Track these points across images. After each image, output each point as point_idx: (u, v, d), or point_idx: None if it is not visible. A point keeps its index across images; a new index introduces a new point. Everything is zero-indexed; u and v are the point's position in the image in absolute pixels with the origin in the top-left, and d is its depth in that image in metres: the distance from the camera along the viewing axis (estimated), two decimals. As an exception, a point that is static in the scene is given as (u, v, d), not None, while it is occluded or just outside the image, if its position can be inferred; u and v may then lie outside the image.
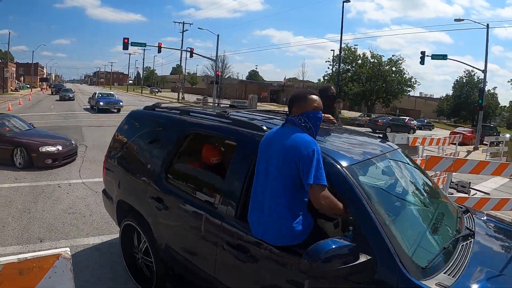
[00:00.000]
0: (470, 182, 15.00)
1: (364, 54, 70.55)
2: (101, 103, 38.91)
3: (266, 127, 4.24)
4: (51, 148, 13.69)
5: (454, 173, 8.86)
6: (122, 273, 6.14)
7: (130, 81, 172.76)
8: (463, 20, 40.01)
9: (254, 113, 5.78)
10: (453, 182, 13.46)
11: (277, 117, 5.35)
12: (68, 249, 3.40)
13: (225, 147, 5.77)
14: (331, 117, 6.11)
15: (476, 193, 13.50)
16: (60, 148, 13.94)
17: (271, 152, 3.67)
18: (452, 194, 11.33)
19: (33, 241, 7.42)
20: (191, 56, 57.57)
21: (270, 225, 3.56)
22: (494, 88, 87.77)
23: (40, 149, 13.35)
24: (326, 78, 71.14)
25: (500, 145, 22.88)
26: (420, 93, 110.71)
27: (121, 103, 40.92)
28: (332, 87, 7.51)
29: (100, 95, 41.78)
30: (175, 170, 5.34)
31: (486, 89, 49.81)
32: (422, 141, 12.21)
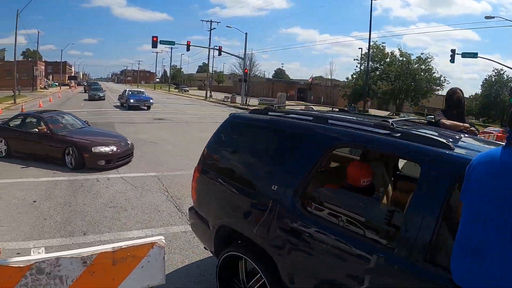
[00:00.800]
0: None
1: (392, 53, 69.80)
2: (132, 101, 39.16)
3: (454, 145, 3.40)
4: (105, 149, 12.93)
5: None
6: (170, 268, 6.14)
7: (157, 80, 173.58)
8: (493, 17, 39.53)
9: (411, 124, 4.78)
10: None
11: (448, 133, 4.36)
12: (162, 237, 3.38)
13: (373, 165, 4.69)
14: (471, 127, 5.00)
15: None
16: (114, 148, 13.18)
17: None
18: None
19: (77, 234, 7.52)
20: (219, 54, 57.83)
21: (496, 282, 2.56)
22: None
23: (92, 149, 12.68)
24: (354, 76, 70.54)
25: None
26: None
27: (151, 101, 41.17)
28: (458, 89, 5.84)
29: (130, 93, 42.09)
30: (314, 194, 4.32)
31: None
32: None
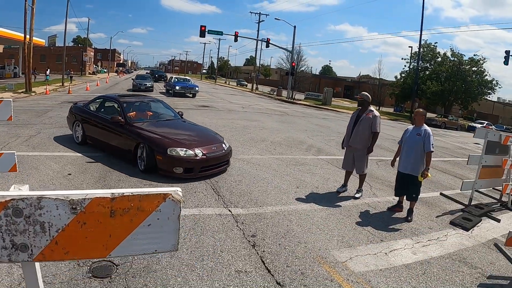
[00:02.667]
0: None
1: (444, 53, 68.13)
2: (177, 87, 39.09)
3: None
4: (186, 152, 9.89)
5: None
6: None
7: (204, 71, 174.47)
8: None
9: None
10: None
11: None
12: (179, 189, 2.75)
13: None
14: None
15: None
16: (200, 152, 10.08)
17: None
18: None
19: None
20: (267, 46, 57.39)
21: None
22: None
23: (168, 150, 9.72)
24: (403, 75, 69.15)
25: None
26: (498, 98, 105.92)
27: (196, 88, 41.19)
28: None
29: (176, 80, 42.23)
30: None
31: None
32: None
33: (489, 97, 69.10)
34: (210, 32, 51.29)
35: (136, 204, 2.47)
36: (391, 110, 68.06)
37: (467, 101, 63.99)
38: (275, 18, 71.97)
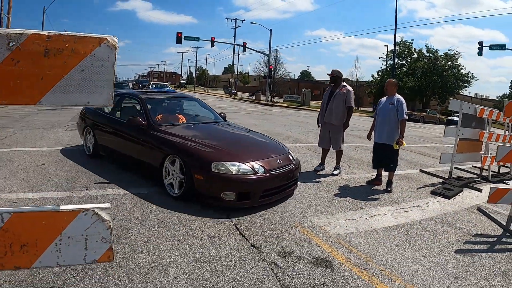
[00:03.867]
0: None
1: (420, 50, 68.94)
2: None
3: None
4: (240, 168, 6.65)
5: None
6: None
7: (183, 81, 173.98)
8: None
9: None
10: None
11: None
12: (115, 37, 2.59)
13: None
14: None
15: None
16: (260, 167, 6.81)
17: None
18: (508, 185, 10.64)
19: (79, 189, 7.33)
20: (244, 50, 57.68)
21: None
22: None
23: (213, 166, 6.54)
24: (380, 73, 69.63)
25: None
26: (475, 94, 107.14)
27: (175, 92, 40.53)
28: None
29: (154, 86, 42.43)
30: None
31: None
32: (489, 114, 11.35)
33: (466, 92, 69.90)
34: (187, 38, 51.23)
35: (70, 46, 2.28)
36: (370, 109, 68.43)
37: (444, 95, 64.71)
38: (251, 22, 72.90)
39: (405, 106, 8.70)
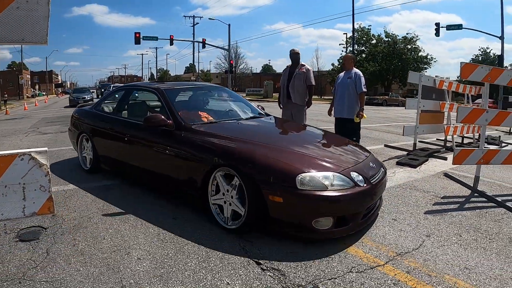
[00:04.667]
0: (500, 136, 14.48)
1: (379, 35, 69.92)
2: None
3: None
4: (335, 179, 4.58)
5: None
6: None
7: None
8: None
9: None
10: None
11: None
12: None
13: None
14: None
15: (507, 145, 12.87)
16: (360, 177, 4.78)
17: None
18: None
19: None
20: (203, 46, 57.08)
21: None
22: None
23: (299, 180, 4.42)
24: (340, 61, 70.21)
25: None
26: (436, 75, 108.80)
27: (136, 94, 39.84)
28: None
29: (115, 88, 41.44)
30: None
31: (505, 64, 48.38)
32: (449, 85, 11.44)
33: (427, 74, 70.80)
34: (145, 38, 50.49)
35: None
36: (331, 97, 69.03)
37: (405, 78, 65.54)
38: (209, 18, 72.57)
39: (363, 79, 8.71)
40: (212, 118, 6.55)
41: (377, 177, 5.03)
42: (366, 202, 4.74)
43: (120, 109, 7.73)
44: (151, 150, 6.23)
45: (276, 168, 4.55)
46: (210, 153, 5.20)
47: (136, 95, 8.88)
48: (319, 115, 21.16)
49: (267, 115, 7.57)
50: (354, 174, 4.68)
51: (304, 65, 9.44)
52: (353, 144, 6.35)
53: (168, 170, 5.88)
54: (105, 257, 4.14)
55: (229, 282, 3.70)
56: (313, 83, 9.41)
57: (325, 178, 4.45)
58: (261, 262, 4.09)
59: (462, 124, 9.79)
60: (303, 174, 4.40)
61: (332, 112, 9.21)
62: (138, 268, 3.93)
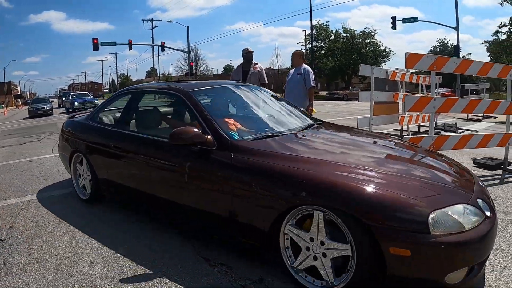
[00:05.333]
0: (456, 123, 14.86)
1: (337, 31, 70.88)
2: (76, 103, 38.07)
3: None
4: (468, 212, 3.23)
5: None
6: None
7: (106, 90, 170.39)
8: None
9: None
10: (439, 125, 13.18)
11: None
12: None
13: None
14: None
15: (463, 131, 13.24)
16: (482, 202, 3.48)
17: None
18: (440, 133, 11.05)
19: None
20: (162, 50, 56.76)
21: None
22: (469, 54, 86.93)
23: (431, 221, 3.01)
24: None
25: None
26: (396, 68, 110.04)
27: (96, 101, 40.21)
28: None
29: (74, 96, 40.88)
30: None
31: (461, 55, 49.49)
32: (402, 76, 11.72)
33: (387, 67, 71.94)
34: (104, 44, 49.68)
35: None
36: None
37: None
38: (168, 21, 72.43)
39: (312, 74, 8.91)
40: (257, 128, 4.84)
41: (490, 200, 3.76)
42: (494, 236, 3.44)
43: (127, 120, 5.96)
44: (180, 177, 4.53)
45: (397, 206, 3.10)
46: (284, 185, 3.57)
47: (148, 100, 7.07)
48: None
49: (321, 123, 5.75)
50: (480, 202, 3.44)
51: (257, 64, 9.60)
52: (433, 152, 5.09)
53: (208, 206, 4.27)
54: (59, 263, 4.22)
55: (177, 280, 3.81)
56: (267, 81, 9.65)
57: (457, 214, 3.15)
58: (210, 258, 4.20)
59: (418, 113, 10.03)
60: (435, 213, 3.05)
61: None
62: (91, 271, 4.02)
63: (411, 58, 6.93)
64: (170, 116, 6.27)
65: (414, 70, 12.01)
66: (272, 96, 6.36)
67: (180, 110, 6.03)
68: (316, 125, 5.41)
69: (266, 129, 4.78)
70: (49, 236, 5.03)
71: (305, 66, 9.00)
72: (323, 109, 27.11)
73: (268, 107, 5.79)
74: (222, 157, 4.10)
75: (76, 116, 7.58)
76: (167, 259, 4.22)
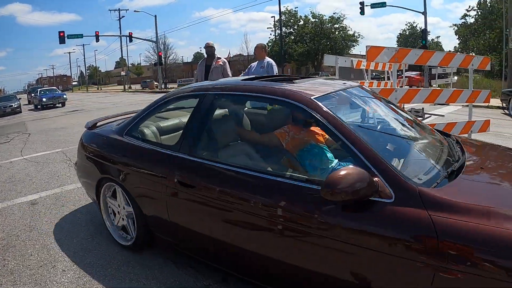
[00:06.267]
0: (423, 108, 15.06)
1: (306, 16, 71.07)
2: (44, 99, 36.93)
3: None
4: None
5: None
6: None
7: (75, 82, 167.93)
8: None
9: None
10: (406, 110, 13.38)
11: None
12: None
13: None
14: None
15: (430, 116, 13.44)
16: None
17: None
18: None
19: None
20: (130, 40, 56.19)
21: None
22: (438, 37, 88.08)
23: None
24: (269, 44, 70.81)
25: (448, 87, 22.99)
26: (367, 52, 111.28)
27: (64, 96, 39.62)
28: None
29: (42, 92, 39.90)
30: None
31: (430, 38, 50.13)
32: (367, 65, 11.88)
33: (356, 51, 72.75)
34: (70, 36, 48.98)
35: None
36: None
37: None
38: (134, 11, 72.04)
39: (275, 67, 9.01)
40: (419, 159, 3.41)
41: None
42: None
43: (197, 139, 3.99)
44: (319, 241, 2.89)
45: None
46: None
47: (228, 110, 4.61)
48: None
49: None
50: None
51: (220, 58, 9.60)
52: None
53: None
54: (33, 273, 4.25)
55: (145, 283, 3.93)
56: (231, 75, 9.62)
57: None
58: (178, 261, 4.30)
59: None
60: None
61: None
62: (63, 279, 4.07)
63: (372, 51, 7.06)
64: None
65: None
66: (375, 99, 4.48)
67: (296, 125, 3.91)
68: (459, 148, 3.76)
69: (432, 162, 3.24)
70: (21, 246, 5.02)
71: (268, 59, 9.09)
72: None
73: (395, 121, 4.13)
74: (409, 217, 2.55)
75: (99, 124, 5.59)
76: (135, 264, 4.33)
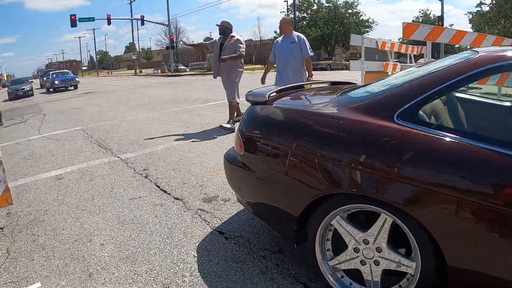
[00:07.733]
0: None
1: (319, 1, 70.69)
2: (57, 82, 36.86)
3: None
4: None
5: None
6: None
7: (84, 67, 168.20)
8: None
9: None
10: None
11: None
12: None
13: None
14: None
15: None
16: None
17: None
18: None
19: None
20: (142, 23, 56.11)
21: None
22: (451, 25, 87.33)
23: None
24: (282, 28, 70.86)
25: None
26: (378, 38, 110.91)
27: (77, 79, 39.51)
28: None
29: (54, 75, 39.81)
30: None
31: (445, 25, 49.65)
32: (391, 46, 11.72)
33: (368, 34, 72.48)
34: (82, 20, 48.78)
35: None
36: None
37: (347, 42, 66.91)
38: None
39: (307, 42, 7.95)
40: None
41: None
42: None
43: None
44: None
45: None
46: None
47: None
48: (260, 85, 21.20)
49: None
50: None
51: (234, 36, 9.31)
52: None
53: None
54: (68, 248, 4.05)
55: (195, 255, 3.70)
56: (241, 50, 9.17)
57: None
58: (224, 231, 4.10)
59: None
60: None
61: (266, 80, 8.81)
62: (103, 253, 3.86)
63: (408, 28, 6.95)
64: None
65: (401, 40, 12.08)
66: None
67: None
68: None
69: None
70: (51, 220, 4.86)
71: (298, 33, 8.18)
72: (308, 80, 27.16)
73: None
74: None
75: (282, 96, 3.63)
76: (180, 235, 4.13)
